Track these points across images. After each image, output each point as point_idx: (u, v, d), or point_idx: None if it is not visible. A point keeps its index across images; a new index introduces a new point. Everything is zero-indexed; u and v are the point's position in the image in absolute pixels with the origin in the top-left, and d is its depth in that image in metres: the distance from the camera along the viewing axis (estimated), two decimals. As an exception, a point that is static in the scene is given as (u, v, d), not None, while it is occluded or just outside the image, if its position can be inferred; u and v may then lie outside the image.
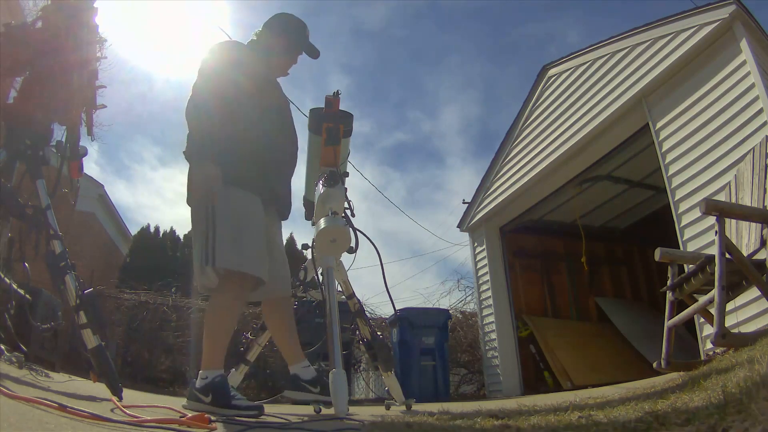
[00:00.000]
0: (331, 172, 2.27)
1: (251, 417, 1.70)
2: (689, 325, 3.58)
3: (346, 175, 2.47)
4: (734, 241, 2.44)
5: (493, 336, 6.08)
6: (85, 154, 2.16)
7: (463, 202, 6.92)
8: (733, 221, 2.70)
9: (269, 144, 2.12)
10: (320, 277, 2.31)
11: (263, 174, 2.07)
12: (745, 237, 2.58)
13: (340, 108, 2.32)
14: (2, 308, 2.21)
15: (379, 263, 2.41)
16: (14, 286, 2.19)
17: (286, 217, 2.31)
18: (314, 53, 2.33)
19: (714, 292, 2.18)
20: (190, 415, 1.35)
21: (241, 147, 2.01)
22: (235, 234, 1.89)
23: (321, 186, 2.22)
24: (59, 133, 2.07)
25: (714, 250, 2.23)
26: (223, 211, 1.91)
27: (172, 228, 10.44)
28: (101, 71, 2.24)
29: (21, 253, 1.93)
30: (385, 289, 2.47)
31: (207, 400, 1.74)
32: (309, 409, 2.18)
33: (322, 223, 2.05)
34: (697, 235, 3.56)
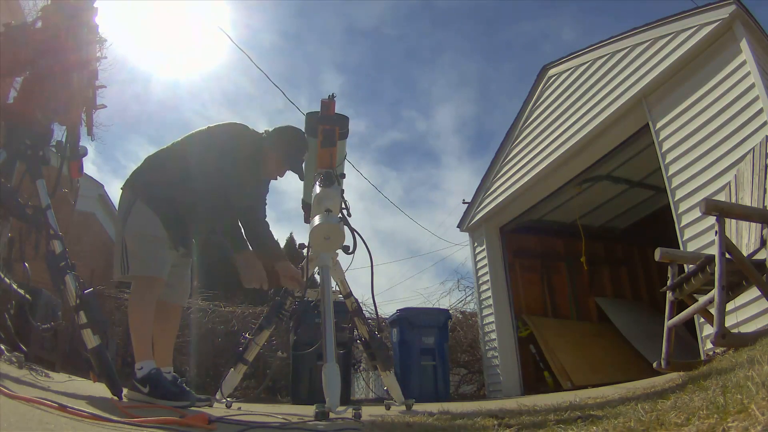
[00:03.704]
0: (326, 173, 2.30)
1: (183, 406, 1.93)
2: (689, 325, 3.58)
3: (343, 176, 2.50)
4: (734, 241, 2.44)
5: (493, 336, 6.07)
6: (85, 154, 2.16)
7: (463, 202, 6.93)
8: (733, 221, 2.69)
9: (211, 204, 2.29)
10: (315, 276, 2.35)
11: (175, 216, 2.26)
12: (745, 237, 2.58)
13: (336, 111, 2.34)
14: (2, 308, 2.21)
15: (374, 264, 2.44)
16: (14, 286, 2.19)
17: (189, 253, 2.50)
18: (301, 177, 2.56)
19: (714, 292, 2.18)
20: (190, 415, 1.36)
21: (181, 193, 2.23)
22: (140, 246, 2.17)
23: (317, 186, 2.25)
24: (59, 133, 2.07)
25: (714, 250, 2.23)
26: (131, 227, 2.19)
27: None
28: (100, 71, 2.24)
29: (21, 253, 1.93)
30: (376, 289, 2.54)
31: (145, 391, 1.97)
32: (309, 410, 2.18)
33: (316, 220, 2.11)
34: (697, 235, 3.56)
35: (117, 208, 2.34)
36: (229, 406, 2.50)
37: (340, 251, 2.35)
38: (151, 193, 2.23)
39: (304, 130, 2.51)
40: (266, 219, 2.66)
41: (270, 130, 2.53)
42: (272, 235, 2.66)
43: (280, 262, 2.58)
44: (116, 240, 2.27)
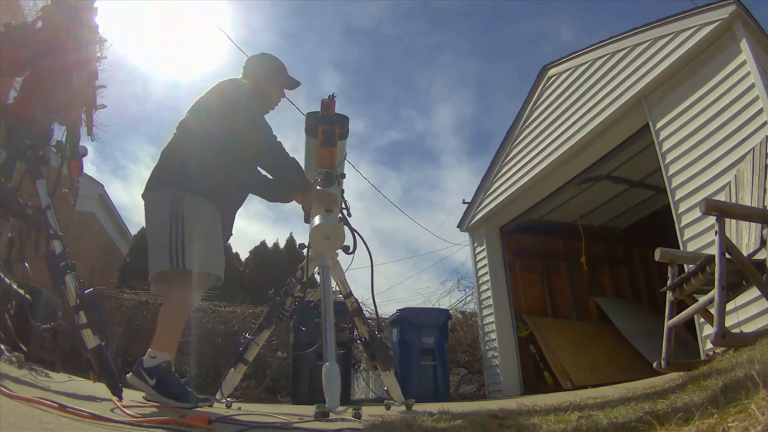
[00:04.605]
0: (326, 172, 2.30)
1: (186, 407, 1.86)
2: (689, 325, 3.58)
3: (343, 176, 2.50)
4: (734, 241, 2.44)
5: (493, 336, 6.07)
6: (85, 154, 2.15)
7: (463, 202, 6.93)
8: (733, 221, 2.69)
9: (239, 175, 2.33)
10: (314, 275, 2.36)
11: (228, 198, 2.30)
12: (745, 237, 2.58)
13: (335, 111, 2.34)
14: (2, 308, 2.21)
15: (374, 264, 2.44)
16: (14, 286, 2.19)
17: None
18: (295, 85, 2.57)
19: (714, 292, 2.18)
20: (189, 415, 1.36)
21: (225, 170, 2.21)
22: (202, 240, 2.09)
23: (318, 186, 2.25)
24: (59, 133, 2.06)
25: (714, 250, 2.23)
26: (190, 220, 2.08)
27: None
28: (100, 71, 2.23)
29: (21, 253, 1.93)
30: (376, 289, 2.54)
31: (151, 383, 1.88)
32: (309, 410, 2.18)
33: (316, 220, 2.12)
34: (697, 235, 3.56)
35: (151, 207, 2.17)
36: (229, 406, 2.50)
37: (340, 251, 2.35)
38: (191, 186, 2.11)
39: (304, 130, 2.51)
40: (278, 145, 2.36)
41: (248, 68, 2.49)
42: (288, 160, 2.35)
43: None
44: (156, 233, 2.11)
